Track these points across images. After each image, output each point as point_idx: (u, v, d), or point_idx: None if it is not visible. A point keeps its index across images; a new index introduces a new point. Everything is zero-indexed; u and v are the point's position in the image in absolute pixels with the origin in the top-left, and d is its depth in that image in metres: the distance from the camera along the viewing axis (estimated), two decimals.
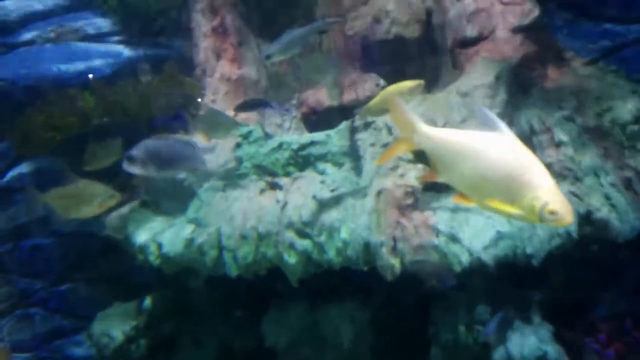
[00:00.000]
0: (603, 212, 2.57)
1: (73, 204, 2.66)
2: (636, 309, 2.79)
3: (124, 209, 3.14)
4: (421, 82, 2.56)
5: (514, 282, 2.90)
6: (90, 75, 3.49)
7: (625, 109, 2.72)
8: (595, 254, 2.79)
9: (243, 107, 3.02)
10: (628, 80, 2.81)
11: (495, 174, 1.57)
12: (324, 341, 2.97)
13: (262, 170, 2.95)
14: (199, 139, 3.06)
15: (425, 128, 1.70)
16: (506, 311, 2.72)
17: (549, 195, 1.49)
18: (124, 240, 3.17)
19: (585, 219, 2.58)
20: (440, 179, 1.72)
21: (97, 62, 3.64)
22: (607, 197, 2.60)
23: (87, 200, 2.64)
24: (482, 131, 1.61)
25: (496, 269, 2.60)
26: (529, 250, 2.55)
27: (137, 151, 2.45)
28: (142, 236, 3.03)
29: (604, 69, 2.85)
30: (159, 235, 3.02)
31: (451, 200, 1.72)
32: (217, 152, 3.13)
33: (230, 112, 3.27)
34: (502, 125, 1.59)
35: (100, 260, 3.70)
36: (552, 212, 1.47)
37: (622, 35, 2.72)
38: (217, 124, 2.85)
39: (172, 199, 3.20)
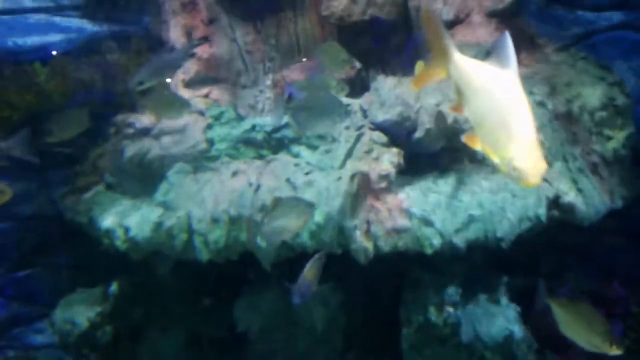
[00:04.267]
0: (570, 196, 2.64)
1: None
2: (596, 289, 2.90)
3: (88, 192, 3.02)
4: None
5: (483, 264, 2.96)
6: (54, 52, 3.30)
7: (593, 96, 2.79)
8: (560, 235, 2.88)
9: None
10: (597, 67, 2.88)
11: (486, 115, 1.45)
12: (297, 326, 2.97)
13: (249, 144, 2.87)
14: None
15: (458, 57, 1.53)
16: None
17: (519, 150, 1.34)
18: (88, 224, 3.06)
19: (554, 202, 2.65)
20: (464, 112, 1.58)
21: (57, 37, 3.44)
22: (575, 182, 2.67)
23: None
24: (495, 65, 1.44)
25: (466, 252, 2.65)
26: (499, 234, 2.60)
27: None
28: (107, 220, 2.92)
29: (575, 55, 2.91)
30: (125, 219, 2.92)
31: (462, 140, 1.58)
32: (186, 134, 3.03)
33: (198, 92, 3.18)
34: (513, 61, 1.41)
35: (62, 245, 3.56)
36: (515, 169, 1.34)
37: (592, 22, 2.78)
38: (168, 104, 2.76)
39: (139, 181, 3.10)
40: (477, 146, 1.50)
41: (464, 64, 1.53)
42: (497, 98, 1.42)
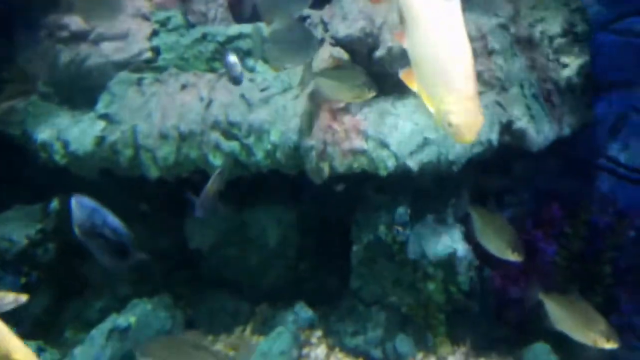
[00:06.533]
0: (523, 122, 2.69)
1: None
2: (536, 211, 3.07)
3: (20, 102, 2.75)
4: None
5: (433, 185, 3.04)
6: None
7: (555, 21, 2.77)
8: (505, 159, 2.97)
9: None
10: None
11: (423, 55, 1.31)
12: (251, 242, 2.98)
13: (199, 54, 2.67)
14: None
15: None
16: None
17: (456, 104, 1.26)
18: (21, 136, 2.82)
19: (506, 128, 2.70)
20: (404, 43, 1.42)
21: None
22: (528, 108, 2.71)
23: None
24: None
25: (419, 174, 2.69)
26: (451, 157, 2.64)
27: None
28: (44, 133, 2.72)
29: None
30: (64, 132, 2.73)
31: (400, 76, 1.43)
32: (129, 40, 2.76)
33: None
34: None
35: None
36: (451, 125, 1.26)
37: None
38: (98, 4, 2.47)
39: (77, 91, 2.85)
40: (413, 86, 1.38)
41: None
42: (436, 36, 1.28)
